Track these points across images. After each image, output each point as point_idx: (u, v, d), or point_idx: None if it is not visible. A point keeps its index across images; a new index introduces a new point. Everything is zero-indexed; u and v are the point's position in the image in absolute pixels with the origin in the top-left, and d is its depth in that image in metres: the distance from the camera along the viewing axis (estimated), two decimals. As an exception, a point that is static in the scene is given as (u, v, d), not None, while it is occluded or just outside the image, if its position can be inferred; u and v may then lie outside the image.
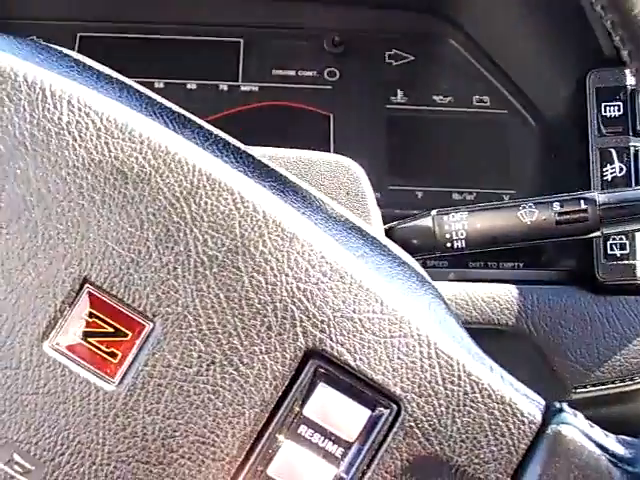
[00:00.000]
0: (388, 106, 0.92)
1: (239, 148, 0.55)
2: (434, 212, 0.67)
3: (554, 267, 0.82)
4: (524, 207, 0.66)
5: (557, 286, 0.78)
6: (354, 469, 0.50)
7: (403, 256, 0.56)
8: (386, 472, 0.50)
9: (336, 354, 0.50)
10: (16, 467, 0.49)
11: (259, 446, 0.50)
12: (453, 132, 0.92)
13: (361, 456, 0.50)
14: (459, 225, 0.66)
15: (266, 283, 0.50)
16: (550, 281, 0.80)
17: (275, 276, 0.50)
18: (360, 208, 0.65)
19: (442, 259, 0.74)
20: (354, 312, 0.50)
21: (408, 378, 0.50)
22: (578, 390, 0.76)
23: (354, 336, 0.50)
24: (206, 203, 0.50)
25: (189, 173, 0.50)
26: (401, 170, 0.90)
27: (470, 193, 0.87)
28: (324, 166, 0.67)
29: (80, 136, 0.50)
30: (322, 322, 0.50)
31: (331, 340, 0.50)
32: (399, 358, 0.50)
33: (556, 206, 0.65)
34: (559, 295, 0.77)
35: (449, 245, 0.66)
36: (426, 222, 0.67)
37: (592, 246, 0.78)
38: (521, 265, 0.82)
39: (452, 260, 0.78)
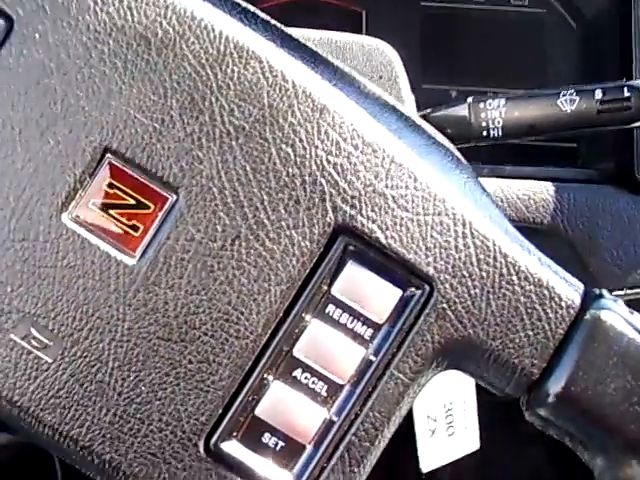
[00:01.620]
0: (423, 3, 0.89)
1: (268, 20, 0.52)
2: (470, 99, 0.64)
3: (592, 167, 0.79)
4: (565, 95, 0.63)
5: (595, 185, 0.76)
6: (383, 352, 0.48)
7: (438, 137, 0.54)
8: (416, 355, 0.48)
9: (367, 231, 0.48)
10: (33, 342, 0.47)
11: (285, 325, 0.48)
12: (489, 32, 0.89)
13: (391, 338, 0.48)
14: (496, 113, 0.63)
15: (295, 155, 0.47)
16: (587, 180, 0.77)
17: (304, 148, 0.47)
18: (393, 92, 0.62)
19: (477, 155, 0.71)
20: (386, 187, 0.48)
21: (441, 258, 0.48)
22: (613, 293, 0.73)
23: (386, 213, 0.48)
24: (233, 71, 0.47)
25: (215, 40, 0.48)
26: (435, 69, 0.87)
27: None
28: (357, 48, 0.64)
29: (102, 0, 0.47)
30: (353, 197, 0.47)
31: (362, 216, 0.47)
32: (432, 237, 0.48)
33: (598, 94, 0.62)
34: (596, 194, 0.75)
35: (485, 134, 0.63)
36: (461, 110, 0.64)
37: (632, 145, 0.75)
38: (558, 163, 0.79)
39: (487, 156, 0.75)
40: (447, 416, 0.82)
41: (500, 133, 0.63)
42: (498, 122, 0.63)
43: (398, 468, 0.95)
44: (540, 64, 0.88)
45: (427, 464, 0.84)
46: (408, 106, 0.63)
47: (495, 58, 0.88)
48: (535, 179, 0.75)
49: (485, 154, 0.73)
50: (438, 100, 0.82)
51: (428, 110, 0.65)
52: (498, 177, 0.74)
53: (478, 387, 0.87)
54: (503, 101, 0.63)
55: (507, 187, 0.73)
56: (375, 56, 0.64)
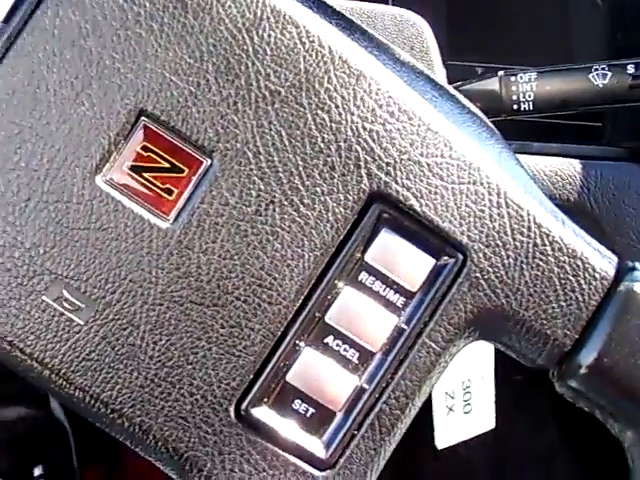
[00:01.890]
0: (450, -21, 0.88)
1: None
2: (501, 73, 0.63)
3: (618, 145, 0.79)
4: (597, 69, 0.62)
5: (621, 162, 0.75)
6: (415, 320, 0.48)
7: (472, 107, 0.53)
8: (449, 324, 0.48)
9: (401, 198, 0.47)
10: (65, 304, 0.47)
11: (317, 291, 0.48)
12: (514, 7, 0.88)
13: (423, 306, 0.48)
14: (527, 87, 0.63)
15: (330, 121, 0.47)
16: (614, 157, 0.76)
17: (340, 114, 0.47)
18: (426, 64, 0.62)
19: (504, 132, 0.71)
20: (422, 155, 0.47)
21: (476, 227, 0.48)
22: (639, 270, 0.73)
23: (421, 181, 0.47)
24: (269, 36, 0.47)
25: (252, 4, 0.47)
26: (460, 45, 0.86)
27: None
28: (389, 19, 0.63)
29: None
30: (388, 164, 0.47)
31: (397, 184, 0.47)
32: (467, 206, 0.48)
33: (630, 69, 0.62)
34: (623, 172, 0.74)
35: (516, 107, 0.63)
36: (492, 83, 0.64)
37: (659, 123, 0.75)
38: (584, 142, 0.79)
39: (514, 133, 0.75)
40: (465, 393, 0.82)
41: (531, 107, 0.63)
42: (529, 96, 0.62)
43: (414, 443, 0.95)
44: (567, 43, 0.87)
45: (442, 441, 0.84)
46: (440, 78, 0.63)
47: (520, 34, 0.88)
48: (562, 156, 0.75)
49: (512, 131, 0.72)
50: (463, 76, 0.82)
51: (458, 83, 0.64)
52: (525, 154, 0.74)
53: (495, 366, 0.87)
54: (534, 75, 0.63)
55: (534, 164, 0.73)
56: (407, 27, 0.64)
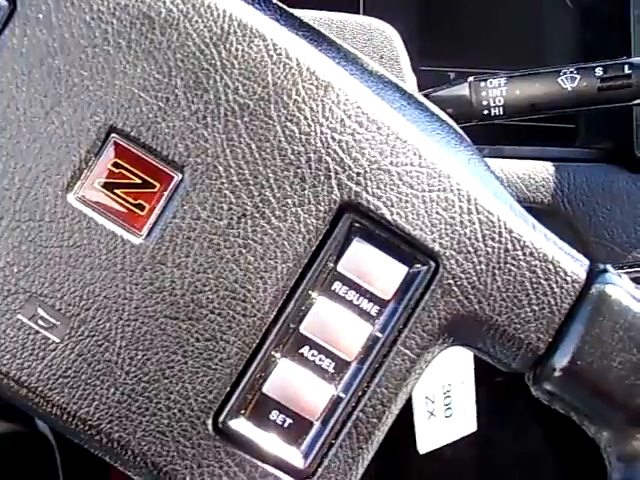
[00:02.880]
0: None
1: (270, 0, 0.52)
2: (471, 79, 0.64)
3: (591, 146, 0.80)
4: (565, 73, 0.63)
5: (594, 164, 0.76)
6: (390, 328, 0.48)
7: (441, 115, 0.54)
8: (423, 331, 0.48)
9: (372, 208, 0.48)
10: (40, 322, 0.47)
11: (292, 302, 0.48)
12: (486, 12, 0.89)
13: (397, 314, 0.48)
14: (497, 92, 0.63)
15: (300, 133, 0.47)
16: (587, 159, 0.77)
17: (309, 126, 0.47)
18: (394, 72, 0.63)
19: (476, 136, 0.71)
20: (391, 164, 0.48)
21: (447, 234, 0.48)
22: (614, 271, 0.74)
23: (391, 189, 0.48)
24: (237, 49, 0.47)
25: (219, 18, 0.47)
26: (432, 50, 0.87)
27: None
28: (357, 28, 0.64)
29: None
30: (358, 174, 0.48)
31: (367, 193, 0.48)
32: (438, 213, 0.48)
33: (599, 71, 0.63)
34: (596, 173, 0.75)
35: (486, 113, 0.63)
36: (462, 89, 0.64)
37: (630, 123, 0.76)
38: (557, 144, 0.79)
39: (486, 137, 0.75)
40: (445, 397, 0.83)
41: (501, 112, 0.63)
42: (499, 101, 0.63)
43: (396, 449, 0.96)
44: (538, 44, 0.88)
45: (425, 445, 0.85)
46: (410, 85, 0.63)
47: (492, 39, 0.88)
48: (535, 159, 0.75)
49: (484, 135, 0.73)
50: (435, 81, 0.82)
51: (429, 90, 0.65)
52: (498, 157, 0.74)
53: (476, 369, 0.87)
54: (504, 80, 0.63)
55: (507, 167, 0.73)
56: (375, 36, 0.64)
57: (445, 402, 0.82)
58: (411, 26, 0.87)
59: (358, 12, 0.86)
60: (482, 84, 0.63)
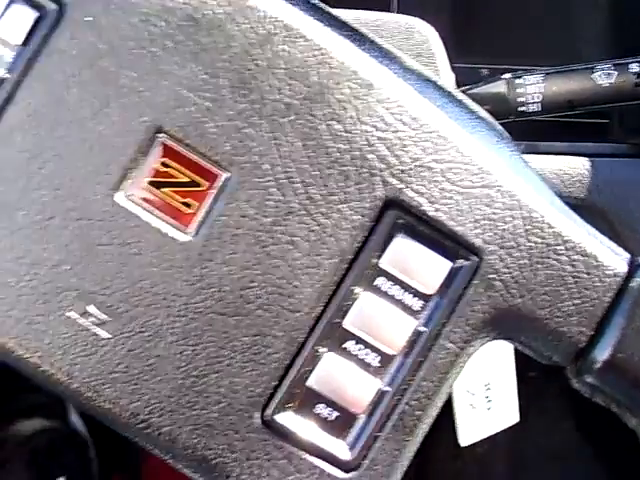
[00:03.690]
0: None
1: (309, 0, 0.53)
2: (507, 75, 0.64)
3: (625, 141, 0.80)
4: (602, 69, 0.63)
5: (628, 159, 0.76)
6: (433, 322, 0.49)
7: (480, 111, 0.54)
8: (466, 325, 0.49)
9: (415, 204, 0.48)
10: (91, 319, 0.49)
11: (336, 298, 0.49)
12: (518, 7, 0.89)
13: (440, 309, 0.49)
14: (534, 88, 0.64)
15: (344, 131, 0.48)
16: (622, 154, 0.77)
17: (353, 124, 0.48)
18: (433, 71, 0.63)
19: (510, 133, 0.72)
20: (434, 161, 0.49)
21: (489, 229, 0.49)
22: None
23: (434, 186, 0.48)
24: (281, 50, 0.48)
25: (263, 20, 0.48)
26: (465, 47, 0.87)
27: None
28: (395, 27, 0.64)
29: None
30: (401, 171, 0.48)
31: (410, 190, 0.48)
32: (480, 209, 0.49)
33: (634, 67, 0.63)
34: (632, 168, 0.75)
35: (523, 109, 0.64)
36: (499, 86, 0.65)
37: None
38: (590, 139, 0.80)
39: (520, 133, 0.76)
40: (486, 390, 0.83)
41: (538, 108, 0.64)
42: (536, 97, 0.63)
43: (435, 441, 0.96)
44: (568, 41, 0.88)
45: (466, 438, 0.85)
46: (448, 83, 0.63)
47: (523, 36, 0.88)
48: (569, 154, 0.75)
49: (519, 131, 0.73)
50: (468, 78, 0.82)
51: (465, 87, 0.65)
52: (533, 153, 0.75)
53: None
54: (540, 76, 0.64)
55: (543, 162, 0.74)
56: (413, 35, 0.64)
57: (486, 395, 0.83)
58: (443, 23, 0.87)
59: (391, 10, 0.87)
60: (518, 81, 0.64)
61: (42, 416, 1.18)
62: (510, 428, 0.90)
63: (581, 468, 1.17)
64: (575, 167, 0.74)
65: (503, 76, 0.65)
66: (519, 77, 0.64)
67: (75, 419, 1.20)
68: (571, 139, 0.79)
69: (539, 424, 1.14)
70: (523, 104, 0.64)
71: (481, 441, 0.89)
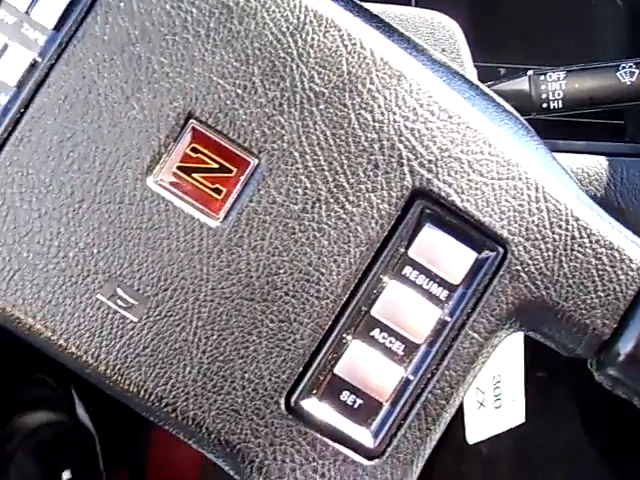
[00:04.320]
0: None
1: None
2: (530, 72, 0.65)
3: (640, 142, 0.80)
4: (624, 67, 0.64)
5: (648, 158, 0.76)
6: (458, 312, 0.49)
7: (506, 105, 0.55)
8: (491, 316, 0.49)
9: (443, 194, 0.49)
10: (119, 302, 0.49)
11: (363, 286, 0.49)
12: (535, 6, 0.89)
13: (466, 299, 0.49)
14: (556, 85, 0.64)
15: (373, 121, 0.49)
16: (639, 154, 0.78)
17: (382, 114, 0.49)
18: (457, 65, 0.63)
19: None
20: (462, 153, 0.49)
21: (515, 221, 0.49)
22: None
23: (462, 177, 0.49)
24: (313, 39, 0.49)
25: (295, 9, 0.49)
26: (482, 46, 0.87)
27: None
28: (419, 21, 0.65)
29: None
30: (430, 162, 0.49)
31: (438, 180, 0.49)
32: (507, 201, 0.49)
33: (658, 66, 0.63)
34: (650, 167, 0.75)
35: (545, 106, 0.64)
36: (522, 83, 0.65)
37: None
38: (606, 139, 0.80)
39: (541, 131, 0.76)
40: (495, 388, 0.84)
41: (560, 105, 0.64)
42: (559, 94, 0.64)
43: (440, 441, 0.97)
44: (586, 41, 0.89)
45: (473, 436, 0.86)
46: (473, 78, 0.64)
47: (541, 35, 0.89)
48: (588, 153, 0.76)
49: (537, 129, 0.74)
50: (487, 77, 0.83)
51: (488, 83, 0.66)
52: (552, 151, 0.75)
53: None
54: (563, 74, 0.64)
55: (562, 161, 0.74)
56: (438, 30, 0.65)
57: (495, 393, 0.83)
58: (461, 21, 0.88)
59: (410, 5, 0.87)
60: (541, 77, 0.64)
61: (48, 409, 1.18)
62: (516, 428, 0.91)
63: (586, 470, 1.18)
64: (593, 166, 0.74)
65: (526, 73, 0.65)
66: (542, 74, 0.64)
67: (81, 412, 1.20)
68: (586, 139, 0.80)
69: (545, 425, 1.15)
70: (545, 101, 0.64)
71: (486, 441, 0.89)
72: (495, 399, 0.83)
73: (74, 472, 1.15)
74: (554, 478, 1.19)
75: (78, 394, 1.21)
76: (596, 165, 0.74)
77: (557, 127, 0.78)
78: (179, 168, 0.49)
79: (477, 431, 0.85)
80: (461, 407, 0.85)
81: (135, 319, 0.49)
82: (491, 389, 0.83)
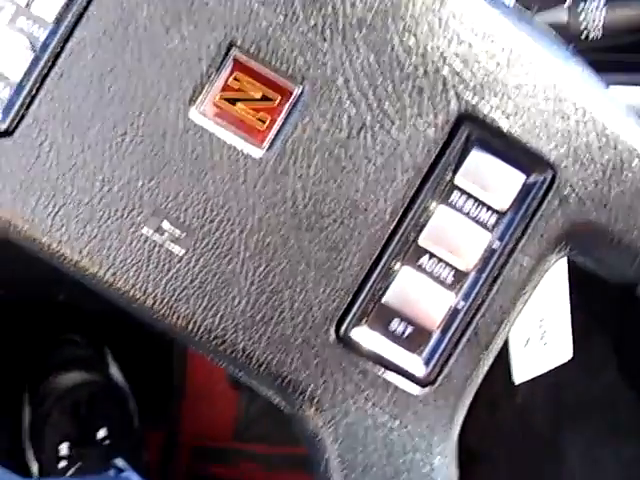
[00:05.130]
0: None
1: None
2: (569, 1, 0.64)
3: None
4: (665, -6, 0.63)
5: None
6: (507, 237, 0.49)
7: (550, 31, 0.54)
8: (540, 240, 0.49)
9: (490, 118, 0.48)
10: (165, 235, 0.49)
11: (411, 213, 0.48)
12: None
13: (514, 224, 0.49)
14: (596, 14, 0.63)
15: (417, 45, 0.48)
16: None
17: (427, 38, 0.48)
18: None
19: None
20: (508, 76, 0.48)
21: (564, 144, 0.48)
22: None
23: (508, 100, 0.48)
24: None
25: None
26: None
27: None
28: None
29: None
30: (475, 86, 0.48)
31: (485, 104, 0.48)
32: (554, 123, 0.48)
33: (700, -8, 0.62)
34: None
35: (584, 36, 0.63)
36: (560, 12, 0.64)
37: None
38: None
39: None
40: (541, 325, 0.83)
41: (599, 35, 0.63)
42: (598, 24, 0.63)
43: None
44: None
45: (520, 375, 0.85)
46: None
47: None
48: (631, 85, 0.74)
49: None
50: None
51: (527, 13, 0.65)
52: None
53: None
54: (602, 2, 0.63)
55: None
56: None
57: (541, 330, 0.82)
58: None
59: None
60: (580, 6, 0.63)
61: (82, 369, 1.19)
62: (549, 374, 0.90)
63: (624, 416, 1.17)
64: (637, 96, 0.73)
65: (564, 3, 0.64)
66: (582, 1, 0.63)
67: (115, 372, 1.21)
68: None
69: (579, 372, 1.14)
70: (584, 31, 0.63)
71: (520, 390, 0.88)
72: (541, 335, 0.83)
73: (110, 430, 1.16)
74: (590, 425, 1.19)
75: (111, 354, 1.21)
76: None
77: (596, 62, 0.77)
78: (222, 98, 0.48)
79: (524, 370, 0.84)
80: (500, 351, 0.85)
81: (182, 252, 0.48)
82: (537, 326, 0.82)
